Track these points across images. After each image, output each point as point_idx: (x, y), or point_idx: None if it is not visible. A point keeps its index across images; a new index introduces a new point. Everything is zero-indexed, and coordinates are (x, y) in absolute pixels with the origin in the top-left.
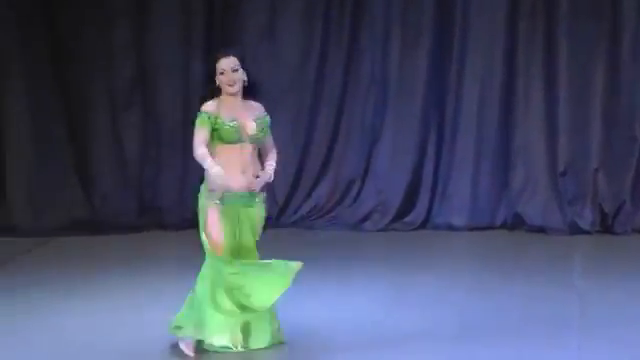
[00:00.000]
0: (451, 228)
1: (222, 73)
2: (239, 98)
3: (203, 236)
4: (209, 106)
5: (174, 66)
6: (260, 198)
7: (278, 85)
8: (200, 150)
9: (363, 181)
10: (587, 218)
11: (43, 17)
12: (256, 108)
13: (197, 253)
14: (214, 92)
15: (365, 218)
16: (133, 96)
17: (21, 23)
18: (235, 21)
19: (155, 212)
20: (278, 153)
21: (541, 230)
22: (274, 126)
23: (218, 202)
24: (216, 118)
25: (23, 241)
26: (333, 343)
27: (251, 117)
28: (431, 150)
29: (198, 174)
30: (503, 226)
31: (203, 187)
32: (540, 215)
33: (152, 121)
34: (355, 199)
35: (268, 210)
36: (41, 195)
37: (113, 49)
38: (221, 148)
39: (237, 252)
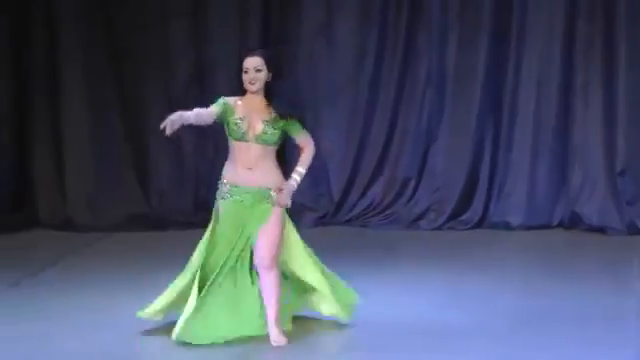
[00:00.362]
0: (507, 227)
1: (245, 71)
2: (260, 98)
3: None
4: (230, 98)
5: (231, 64)
6: (271, 197)
7: (334, 84)
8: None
9: (419, 180)
10: None
11: (101, 16)
12: (273, 113)
13: None
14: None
15: (420, 217)
16: (189, 94)
17: (79, 22)
18: (291, 19)
19: (210, 209)
20: (314, 146)
21: (599, 230)
22: (330, 123)
23: (225, 197)
24: (229, 111)
25: (82, 236)
26: (384, 343)
27: (263, 118)
28: (488, 149)
29: None
30: (560, 225)
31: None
32: (598, 215)
33: None
34: (410, 198)
35: (324, 207)
36: (100, 192)
37: (170, 47)
38: (233, 143)
39: (231, 248)
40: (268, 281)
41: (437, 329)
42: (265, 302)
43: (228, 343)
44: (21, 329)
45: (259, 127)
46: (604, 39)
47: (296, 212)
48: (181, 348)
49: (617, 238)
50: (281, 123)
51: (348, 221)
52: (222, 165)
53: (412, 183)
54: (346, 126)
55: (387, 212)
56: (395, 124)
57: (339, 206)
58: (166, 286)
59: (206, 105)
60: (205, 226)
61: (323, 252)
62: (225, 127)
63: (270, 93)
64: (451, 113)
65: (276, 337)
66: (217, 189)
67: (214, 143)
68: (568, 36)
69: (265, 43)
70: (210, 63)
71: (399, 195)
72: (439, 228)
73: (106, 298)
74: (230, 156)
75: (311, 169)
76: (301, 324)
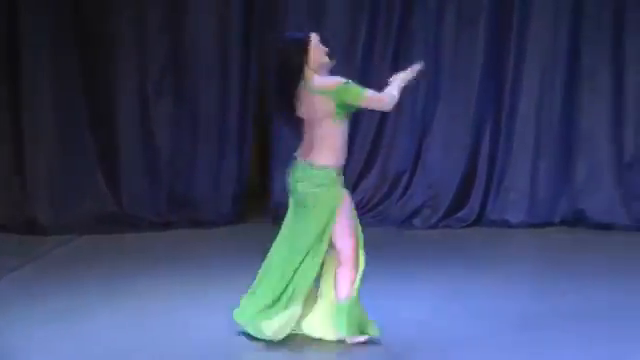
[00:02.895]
0: (507, 225)
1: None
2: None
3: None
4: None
5: (210, 51)
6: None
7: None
8: (391, 93)
9: (412, 174)
10: None
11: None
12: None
13: (233, 250)
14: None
15: (414, 214)
16: (164, 84)
17: (42, 4)
18: (277, 3)
19: (188, 208)
20: None
21: (605, 227)
22: None
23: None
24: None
25: (47, 239)
26: (378, 346)
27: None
28: (486, 141)
29: (235, 166)
30: (564, 222)
31: (323, 173)
32: (604, 211)
33: (185, 110)
34: (404, 194)
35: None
36: (65, 190)
37: (144, 33)
38: (336, 127)
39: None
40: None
41: (438, 336)
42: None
43: None
44: None
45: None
46: (613, 19)
47: (280, 213)
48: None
49: (624, 235)
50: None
51: None
52: (202, 159)
53: (405, 178)
54: None
55: (378, 209)
56: (387, 115)
57: None
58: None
59: (185, 94)
60: (181, 226)
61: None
62: (344, 110)
63: None
64: (447, 102)
65: None
66: (316, 179)
67: (191, 136)
68: (575, 17)
69: (248, 30)
70: (188, 50)
71: (391, 191)
72: (434, 226)
73: (74, 308)
74: (330, 143)
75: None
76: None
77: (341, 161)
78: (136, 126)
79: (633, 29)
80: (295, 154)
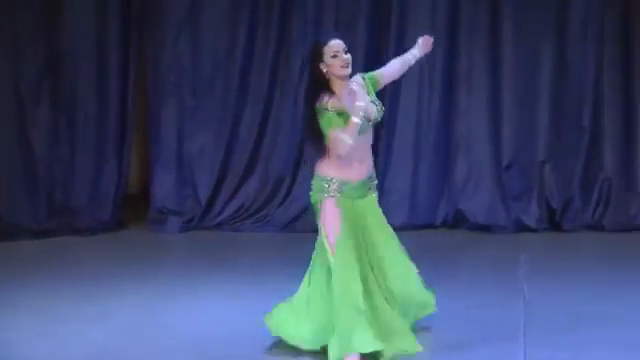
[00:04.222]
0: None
1: (335, 56)
2: (347, 82)
3: (324, 240)
4: (331, 103)
5: (88, 51)
6: (374, 182)
7: (201, 77)
8: (349, 140)
9: (294, 178)
10: (533, 215)
11: None
12: (362, 84)
13: (111, 259)
14: (321, 86)
15: (297, 218)
16: (41, 86)
17: None
18: (154, 2)
19: (67, 215)
20: None
21: (485, 228)
22: (197, 116)
23: (335, 194)
24: (342, 113)
25: None
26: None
27: (368, 99)
28: None
29: (115, 171)
30: (444, 224)
31: (315, 180)
32: (483, 212)
33: (63, 113)
34: (285, 198)
35: (190, 211)
36: None
37: (19, 34)
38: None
39: (365, 253)
40: None
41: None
42: None
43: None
44: None
45: (372, 109)
46: (490, 22)
47: (158, 217)
48: None
49: (504, 236)
50: (371, 88)
51: (218, 225)
52: (81, 166)
53: (287, 182)
54: (215, 120)
55: (260, 214)
56: (268, 118)
57: (207, 209)
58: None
59: (62, 96)
60: (60, 234)
61: (190, 260)
62: (337, 131)
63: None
64: None
65: None
66: (315, 186)
67: (69, 142)
68: (452, 18)
69: (126, 30)
70: (65, 52)
71: (273, 195)
72: (317, 230)
73: None
74: (333, 156)
75: (174, 168)
76: None
77: (346, 173)
78: (12, 131)
79: (509, 31)
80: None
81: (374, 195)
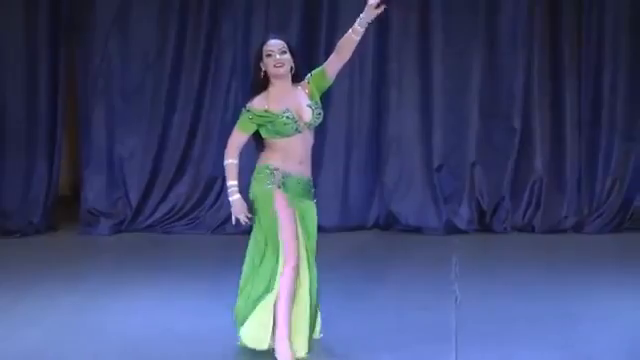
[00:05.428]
0: (319, 229)
1: (269, 55)
2: (288, 83)
3: (276, 235)
4: (256, 102)
5: (16, 52)
6: (312, 189)
7: (130, 78)
8: (229, 159)
9: (224, 179)
10: (464, 216)
11: None
12: (305, 87)
13: (39, 261)
14: (259, 85)
15: (227, 220)
16: None
17: None
18: (84, 5)
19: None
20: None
21: (416, 230)
22: (127, 118)
23: (278, 184)
24: (266, 112)
25: None
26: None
27: (304, 102)
28: None
29: (45, 172)
30: (375, 226)
31: (256, 172)
32: (415, 214)
33: None
34: (216, 199)
35: (121, 212)
36: None
37: None
38: (279, 141)
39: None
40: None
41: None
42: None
43: None
44: None
45: (307, 113)
46: (419, 23)
47: (89, 219)
48: None
49: (435, 237)
50: (314, 90)
51: (149, 227)
52: (11, 166)
53: (218, 183)
54: (145, 122)
55: (191, 216)
56: (199, 119)
57: (138, 211)
58: None
59: (4, 104)
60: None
61: (121, 261)
62: (264, 131)
63: (297, 74)
64: None
65: None
66: (256, 177)
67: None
68: (382, 18)
69: (55, 31)
70: None
71: (204, 197)
72: (247, 232)
73: None
74: (270, 154)
75: (105, 169)
76: None
77: (287, 165)
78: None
79: (438, 32)
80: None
81: (313, 202)
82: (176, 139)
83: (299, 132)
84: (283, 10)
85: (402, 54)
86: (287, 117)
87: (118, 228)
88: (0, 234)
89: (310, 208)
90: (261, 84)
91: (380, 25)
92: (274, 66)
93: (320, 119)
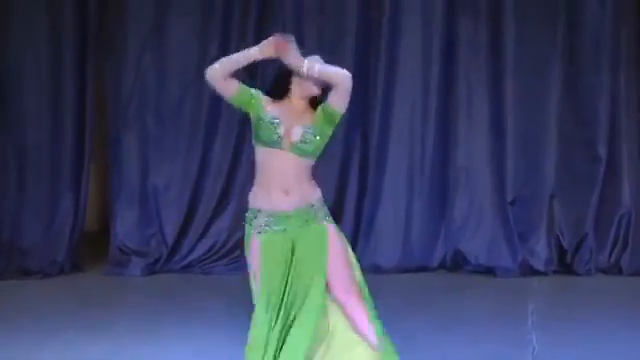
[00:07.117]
0: (377, 270)
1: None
2: (304, 102)
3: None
4: (265, 98)
5: (39, 73)
6: (321, 213)
7: (167, 101)
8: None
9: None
10: (542, 256)
11: None
12: (314, 112)
13: (65, 305)
14: (278, 94)
15: None
16: None
17: None
18: (115, 20)
19: (15, 256)
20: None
21: (487, 271)
22: (162, 146)
23: (262, 230)
24: (262, 107)
25: None
26: None
27: (303, 123)
28: (353, 175)
29: (70, 207)
30: (442, 267)
31: (248, 210)
32: (486, 253)
33: (11, 144)
34: None
35: (155, 251)
36: None
37: None
38: (261, 154)
39: (292, 300)
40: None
41: None
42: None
43: None
44: None
45: (297, 132)
46: (490, 42)
47: (119, 258)
48: None
49: (509, 280)
50: (321, 117)
51: (186, 267)
52: (32, 200)
53: None
54: (182, 150)
55: (234, 255)
56: (242, 146)
57: (174, 249)
58: None
59: (10, 126)
60: (9, 277)
61: (154, 305)
62: (253, 126)
63: (316, 100)
64: None
65: None
66: (248, 215)
67: (19, 173)
68: (448, 37)
69: (83, 47)
70: (16, 69)
71: None
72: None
73: None
74: (258, 177)
75: (137, 203)
76: None
77: (269, 203)
78: None
79: (510, 52)
80: None
81: (324, 224)
82: (217, 167)
83: (280, 148)
84: (338, 27)
85: (469, 73)
86: (273, 124)
87: (151, 268)
88: (20, 274)
89: (316, 233)
90: (280, 94)
91: (444, 39)
92: (313, 84)
93: (309, 147)
